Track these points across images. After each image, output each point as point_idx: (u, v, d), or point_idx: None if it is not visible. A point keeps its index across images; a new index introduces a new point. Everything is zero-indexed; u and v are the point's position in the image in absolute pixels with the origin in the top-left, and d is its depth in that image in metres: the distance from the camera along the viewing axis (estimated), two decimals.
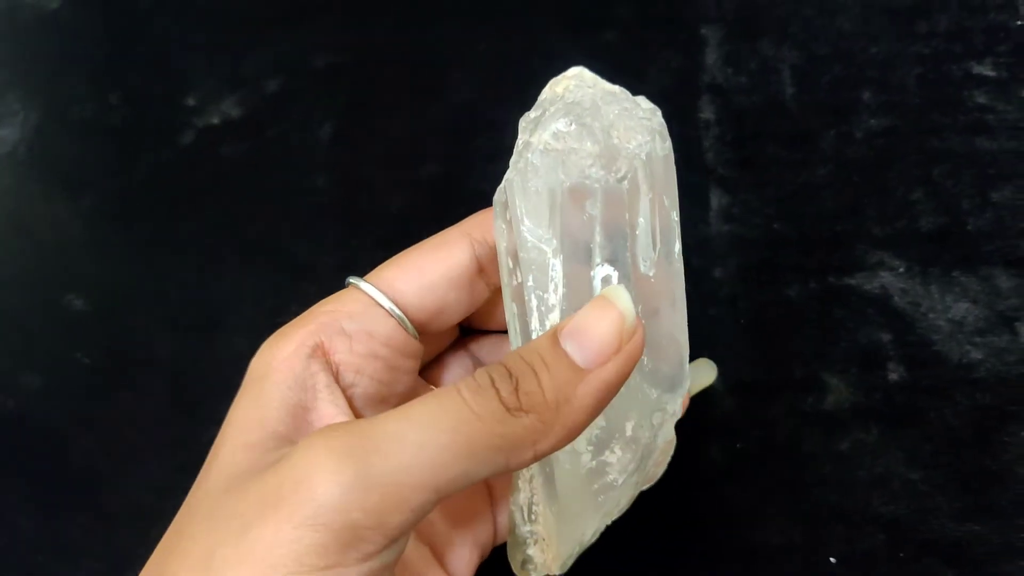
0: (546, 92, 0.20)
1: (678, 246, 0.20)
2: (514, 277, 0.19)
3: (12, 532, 0.29)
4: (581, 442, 0.18)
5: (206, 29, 0.37)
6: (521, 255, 0.19)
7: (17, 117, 0.36)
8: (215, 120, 0.35)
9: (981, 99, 0.31)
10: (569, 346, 0.17)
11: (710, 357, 0.28)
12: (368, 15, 0.36)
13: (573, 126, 0.19)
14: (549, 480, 0.20)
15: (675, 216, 0.20)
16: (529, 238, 0.18)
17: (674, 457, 0.27)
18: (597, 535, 0.22)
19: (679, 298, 0.20)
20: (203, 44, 0.37)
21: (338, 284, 0.31)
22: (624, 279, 0.19)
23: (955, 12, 0.32)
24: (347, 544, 0.15)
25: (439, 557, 0.21)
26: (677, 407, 0.21)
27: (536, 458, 0.16)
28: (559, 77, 0.20)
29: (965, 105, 0.31)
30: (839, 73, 0.32)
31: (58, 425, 0.30)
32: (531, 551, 0.21)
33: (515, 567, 0.21)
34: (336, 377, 0.19)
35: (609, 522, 0.22)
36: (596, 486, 0.19)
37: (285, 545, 0.15)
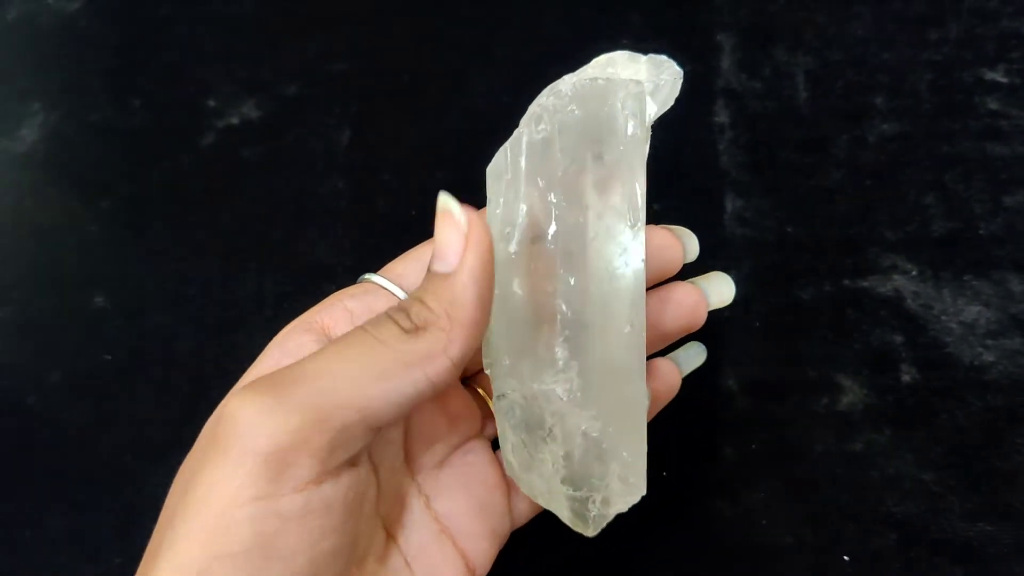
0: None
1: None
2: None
3: (37, 529, 0.29)
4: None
5: (224, 35, 0.37)
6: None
7: (36, 118, 0.37)
8: (235, 121, 0.35)
9: (993, 105, 0.31)
10: (436, 265, 0.18)
11: (724, 358, 0.28)
12: (385, 21, 0.37)
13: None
14: (629, 404, 0.20)
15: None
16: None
17: (688, 456, 0.28)
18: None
19: None
20: (221, 50, 0.37)
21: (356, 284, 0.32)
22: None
23: (967, 19, 0.33)
24: (278, 471, 0.16)
25: (457, 545, 0.21)
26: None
27: (455, 364, 0.18)
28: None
29: (977, 111, 0.31)
30: (852, 79, 0.32)
31: (81, 422, 0.31)
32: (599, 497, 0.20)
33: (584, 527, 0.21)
34: None
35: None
36: None
37: (221, 483, 0.16)
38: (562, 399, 0.20)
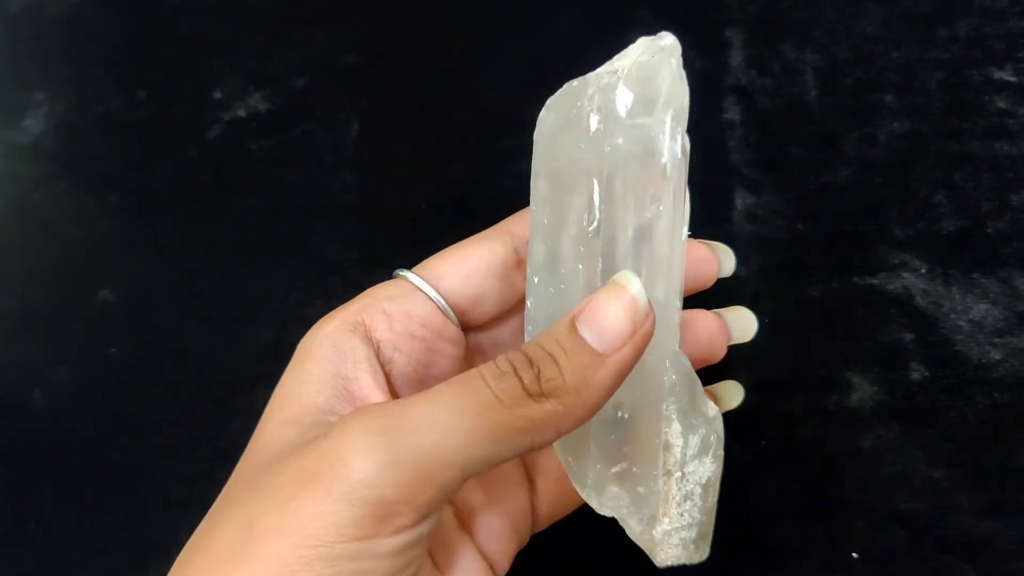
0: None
1: None
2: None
3: (43, 525, 0.29)
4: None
5: (232, 28, 0.37)
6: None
7: (41, 109, 0.37)
8: (242, 113, 0.35)
9: (1001, 104, 0.31)
10: (587, 333, 0.17)
11: (735, 355, 0.28)
12: (394, 15, 0.36)
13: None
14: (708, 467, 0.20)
15: None
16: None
17: None
18: None
19: None
20: (229, 42, 0.37)
21: (365, 278, 0.32)
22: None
23: (976, 18, 0.33)
24: (381, 518, 0.16)
25: (476, 541, 0.21)
26: None
27: (559, 436, 0.17)
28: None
29: (985, 110, 0.31)
30: (861, 77, 0.32)
31: (89, 417, 0.31)
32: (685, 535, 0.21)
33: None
34: (377, 353, 0.20)
35: None
36: None
37: (323, 518, 0.16)
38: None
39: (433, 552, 0.20)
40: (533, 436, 0.17)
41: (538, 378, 0.17)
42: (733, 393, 0.25)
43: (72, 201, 0.35)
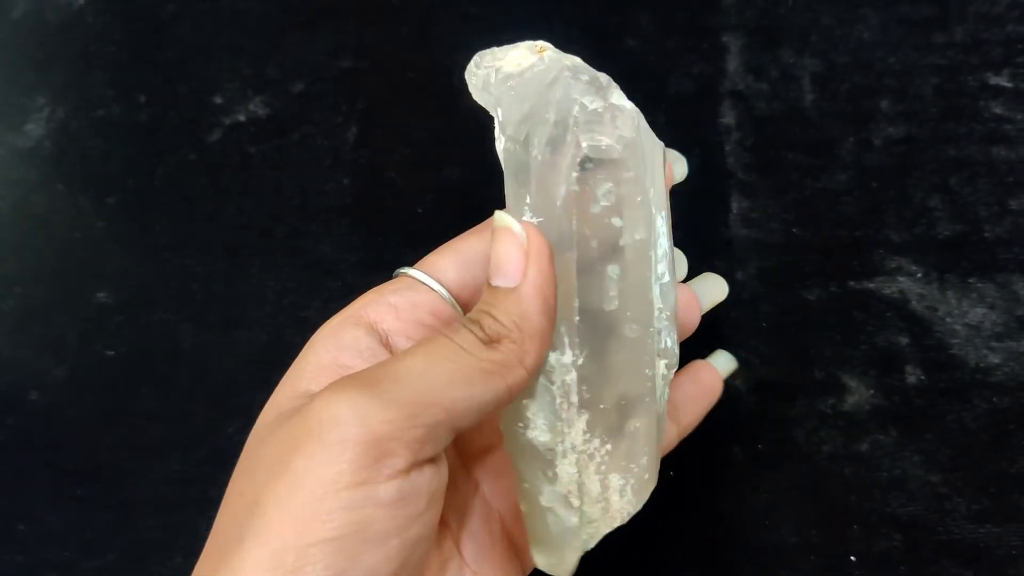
0: (528, 60, 0.21)
1: None
2: (628, 235, 0.19)
3: (35, 524, 0.29)
4: (668, 386, 0.20)
5: (231, 33, 0.37)
6: (643, 212, 0.19)
7: (42, 113, 0.37)
8: (241, 118, 0.35)
9: (998, 109, 0.32)
10: (498, 281, 0.19)
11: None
12: (391, 20, 0.37)
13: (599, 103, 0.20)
14: (634, 435, 0.20)
15: None
16: (650, 191, 0.20)
17: (695, 457, 0.28)
18: None
19: None
20: (227, 47, 0.37)
21: (361, 281, 0.32)
22: (667, 225, 0.21)
23: (972, 24, 0.33)
24: (376, 458, 0.17)
25: (505, 527, 0.22)
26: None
27: (530, 373, 0.19)
28: (530, 47, 0.21)
29: (982, 115, 0.31)
30: (858, 82, 0.33)
31: (83, 418, 0.31)
32: (587, 532, 0.21)
33: (563, 570, 0.21)
34: (388, 343, 0.21)
35: None
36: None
37: (319, 470, 0.17)
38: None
39: (463, 541, 0.21)
40: (504, 376, 0.18)
41: (483, 329, 0.19)
42: (727, 360, 0.26)
43: (71, 204, 0.35)
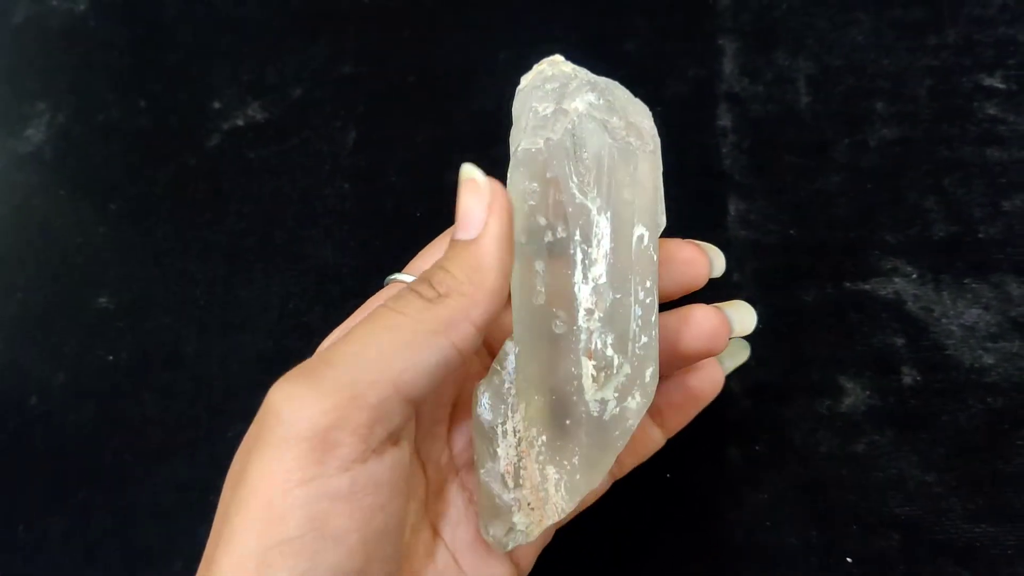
0: (544, 70, 0.22)
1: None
2: (551, 233, 0.20)
3: (37, 530, 0.29)
4: (610, 391, 0.20)
5: (230, 38, 0.38)
6: (569, 211, 0.20)
7: (43, 118, 0.37)
8: (240, 123, 0.35)
9: (991, 110, 0.32)
10: (459, 234, 0.19)
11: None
12: (390, 25, 0.37)
13: (602, 100, 0.21)
14: (565, 432, 0.20)
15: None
16: (577, 194, 0.20)
17: (692, 458, 0.28)
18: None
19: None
20: (227, 52, 0.37)
21: (361, 286, 0.32)
22: (652, 239, 0.20)
23: (965, 26, 0.33)
24: (322, 451, 0.16)
25: None
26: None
27: (478, 329, 0.18)
28: (543, 62, 0.22)
29: (975, 116, 0.32)
30: (852, 84, 0.33)
31: (83, 423, 0.31)
32: (516, 518, 0.21)
33: (493, 541, 0.21)
34: None
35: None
36: (617, 432, 0.20)
37: (269, 471, 0.16)
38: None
39: (459, 552, 0.21)
40: (448, 334, 0.18)
41: (432, 284, 0.18)
42: (741, 347, 0.25)
43: (72, 209, 0.35)
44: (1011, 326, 0.29)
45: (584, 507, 0.24)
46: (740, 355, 0.25)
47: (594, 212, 0.20)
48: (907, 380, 0.28)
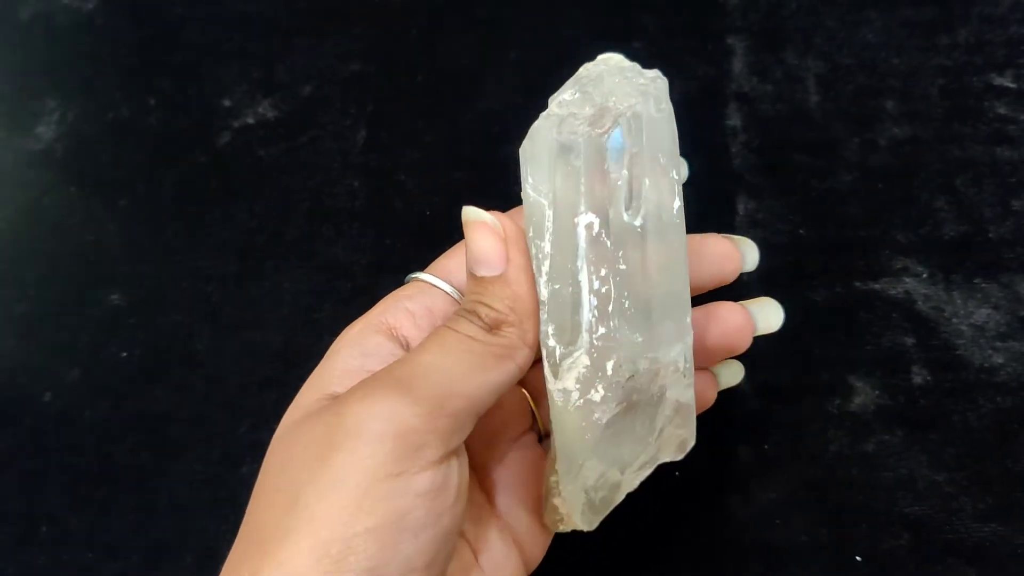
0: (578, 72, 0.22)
1: (677, 203, 0.21)
2: (527, 231, 0.21)
3: (54, 527, 0.29)
4: (571, 380, 0.20)
5: (240, 36, 0.38)
6: (525, 209, 0.21)
7: (53, 116, 0.37)
8: (250, 120, 0.36)
9: (1002, 110, 0.32)
10: (482, 271, 0.20)
11: (738, 359, 0.29)
12: (399, 23, 0.37)
13: (577, 95, 0.21)
14: (554, 423, 0.21)
15: (673, 175, 0.21)
16: (531, 193, 0.21)
17: (703, 457, 0.28)
18: (616, 493, 0.22)
19: (679, 252, 0.21)
20: (236, 51, 0.37)
21: (372, 282, 0.32)
22: (604, 225, 0.20)
23: (976, 25, 0.33)
24: (411, 449, 0.18)
25: (516, 539, 0.22)
26: (679, 360, 0.21)
27: (533, 351, 0.20)
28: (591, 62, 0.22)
29: (986, 116, 0.32)
30: (863, 83, 0.33)
31: (97, 420, 0.31)
32: (555, 500, 0.22)
33: (547, 520, 0.22)
34: (408, 348, 0.21)
35: (622, 478, 0.22)
36: (583, 424, 0.20)
37: (359, 463, 0.17)
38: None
39: (479, 551, 0.21)
40: (513, 358, 0.20)
41: (483, 320, 0.20)
42: (735, 372, 0.25)
43: (82, 206, 0.35)
44: (1021, 326, 0.29)
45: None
46: (734, 376, 0.25)
47: (547, 206, 0.20)
48: (917, 380, 0.28)
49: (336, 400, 0.19)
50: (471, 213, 0.20)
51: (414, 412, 0.18)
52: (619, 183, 0.20)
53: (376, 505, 0.17)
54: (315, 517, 0.17)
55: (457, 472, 0.19)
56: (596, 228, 0.20)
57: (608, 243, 0.20)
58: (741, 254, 0.23)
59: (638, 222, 0.20)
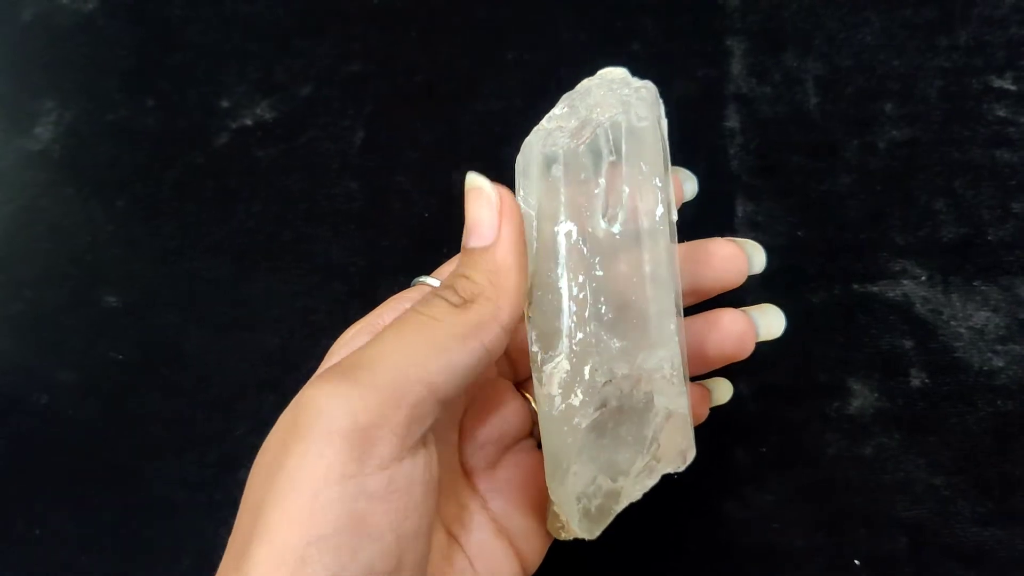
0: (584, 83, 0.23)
1: (660, 210, 0.21)
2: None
3: (44, 527, 0.29)
4: (554, 385, 0.20)
5: (238, 37, 0.38)
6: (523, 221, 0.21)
7: (51, 117, 0.37)
8: (248, 122, 0.36)
9: (1001, 112, 0.32)
10: (473, 242, 0.19)
11: (735, 362, 0.29)
12: (398, 24, 0.37)
13: (565, 109, 0.21)
14: (541, 428, 0.21)
15: (656, 182, 0.21)
16: (522, 205, 0.21)
17: (700, 460, 0.28)
18: (614, 502, 0.22)
19: (660, 259, 0.21)
20: (235, 51, 0.37)
21: (369, 285, 0.32)
22: (582, 233, 0.21)
23: (976, 27, 0.33)
24: (363, 449, 0.17)
25: (513, 544, 0.22)
26: (663, 367, 0.21)
27: (506, 330, 0.19)
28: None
29: (985, 118, 0.32)
30: (862, 85, 0.33)
31: (90, 421, 0.31)
32: (555, 508, 0.21)
33: (550, 528, 0.22)
34: None
35: (615, 486, 0.22)
36: (566, 428, 0.20)
37: (309, 466, 0.16)
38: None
39: (474, 556, 0.21)
40: (479, 337, 0.18)
41: (456, 291, 0.19)
42: (724, 390, 0.25)
43: (80, 207, 0.35)
44: (1020, 329, 0.28)
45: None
46: (723, 395, 0.25)
47: (533, 217, 0.21)
48: (915, 383, 0.28)
49: (295, 397, 0.18)
50: (472, 178, 0.20)
51: (364, 406, 0.17)
52: (596, 191, 0.21)
53: (329, 509, 0.16)
54: (270, 526, 0.16)
55: (423, 467, 0.18)
56: (575, 236, 0.20)
57: (584, 250, 0.20)
58: (747, 257, 0.23)
59: (616, 229, 0.21)
